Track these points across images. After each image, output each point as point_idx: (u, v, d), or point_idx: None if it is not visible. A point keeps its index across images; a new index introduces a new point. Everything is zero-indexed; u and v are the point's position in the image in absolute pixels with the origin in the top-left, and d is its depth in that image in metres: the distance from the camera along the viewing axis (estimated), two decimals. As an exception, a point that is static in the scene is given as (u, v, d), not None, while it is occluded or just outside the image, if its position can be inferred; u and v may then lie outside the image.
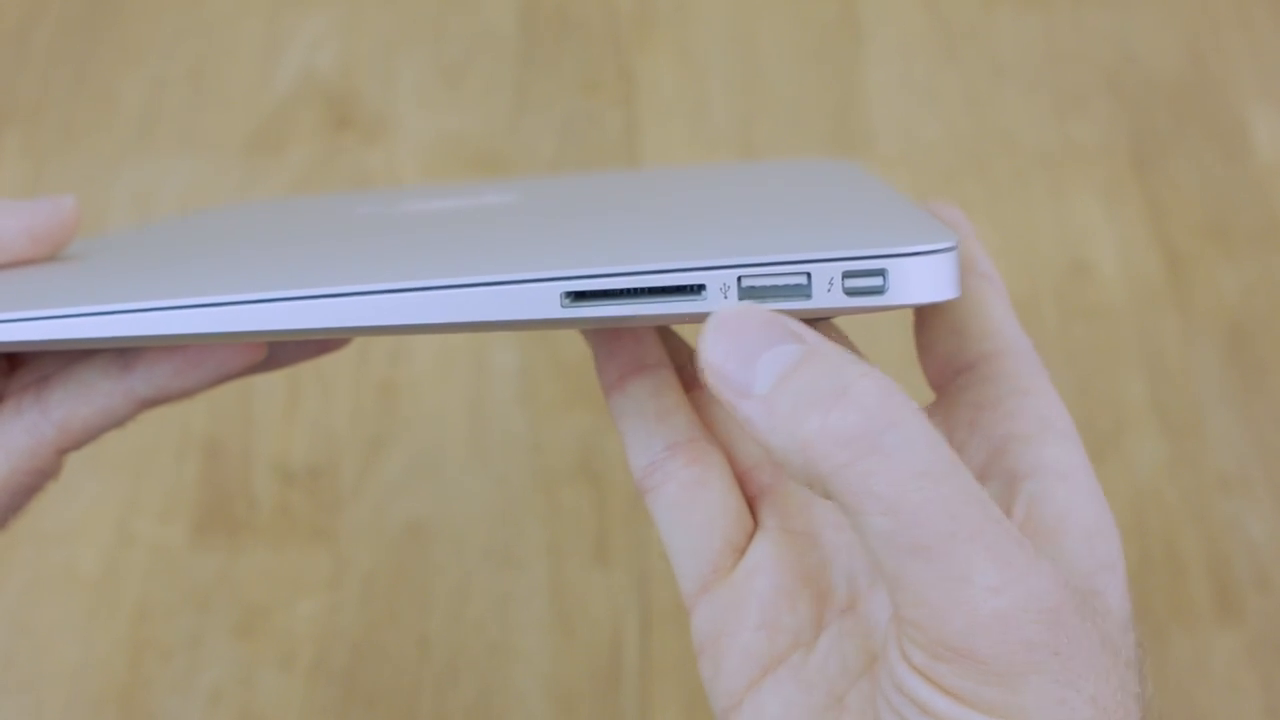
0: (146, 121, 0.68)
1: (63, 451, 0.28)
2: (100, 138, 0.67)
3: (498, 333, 0.59)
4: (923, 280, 0.22)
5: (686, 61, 0.69)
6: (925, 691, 0.20)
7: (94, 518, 0.55)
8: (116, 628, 0.52)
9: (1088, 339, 0.59)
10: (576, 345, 0.58)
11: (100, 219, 0.64)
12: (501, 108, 0.67)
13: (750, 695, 0.25)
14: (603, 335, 0.28)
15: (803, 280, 0.22)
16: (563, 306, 0.22)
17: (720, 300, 0.22)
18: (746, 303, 0.22)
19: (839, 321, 0.28)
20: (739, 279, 0.22)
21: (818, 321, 0.25)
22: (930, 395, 0.27)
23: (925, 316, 0.26)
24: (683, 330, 0.30)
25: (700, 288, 0.22)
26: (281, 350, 0.30)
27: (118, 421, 0.28)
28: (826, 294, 0.22)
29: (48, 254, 0.29)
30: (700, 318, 0.22)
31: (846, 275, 0.22)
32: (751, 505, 0.28)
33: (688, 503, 0.27)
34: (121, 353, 0.28)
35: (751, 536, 0.27)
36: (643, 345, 0.28)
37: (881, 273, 0.21)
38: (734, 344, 0.21)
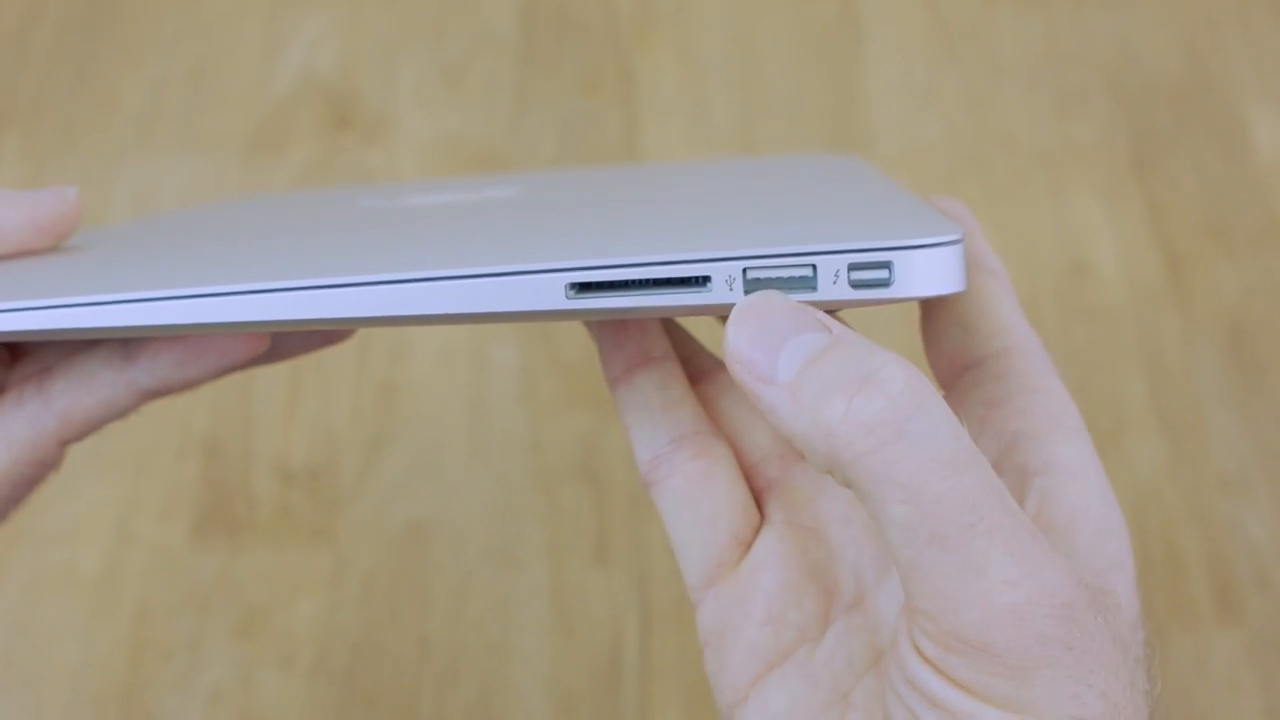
0: (146, 121, 0.67)
1: (65, 442, 0.28)
2: (100, 138, 0.67)
3: (499, 330, 0.59)
4: (929, 273, 0.21)
5: (686, 61, 0.69)
6: (936, 684, 0.20)
7: (94, 517, 0.55)
8: (116, 628, 0.52)
9: (1088, 339, 0.59)
10: (576, 345, 0.58)
11: (100, 219, 0.64)
12: (501, 108, 0.67)
13: (755, 690, 0.25)
14: (607, 328, 0.28)
15: (809, 272, 0.22)
16: (568, 298, 0.22)
17: (726, 292, 0.22)
18: (772, 292, 0.21)
19: (845, 316, 0.28)
20: (744, 271, 0.22)
21: None
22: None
23: (931, 311, 0.26)
24: (688, 323, 0.30)
25: (706, 279, 0.22)
26: (284, 342, 0.30)
27: (120, 413, 0.28)
28: (832, 286, 0.22)
29: (50, 244, 0.29)
30: (705, 310, 0.22)
31: (852, 267, 0.21)
32: (758, 499, 0.27)
33: (694, 496, 0.27)
34: (124, 343, 0.28)
35: (758, 531, 0.27)
36: (648, 337, 0.28)
37: (887, 265, 0.21)
38: (759, 331, 0.21)
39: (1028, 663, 0.19)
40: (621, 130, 0.66)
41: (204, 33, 0.71)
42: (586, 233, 0.26)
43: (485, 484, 0.55)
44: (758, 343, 0.21)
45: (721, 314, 0.22)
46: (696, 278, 0.22)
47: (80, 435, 0.28)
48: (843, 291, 0.22)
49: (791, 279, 0.22)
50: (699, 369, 0.29)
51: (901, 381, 0.20)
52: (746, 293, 0.22)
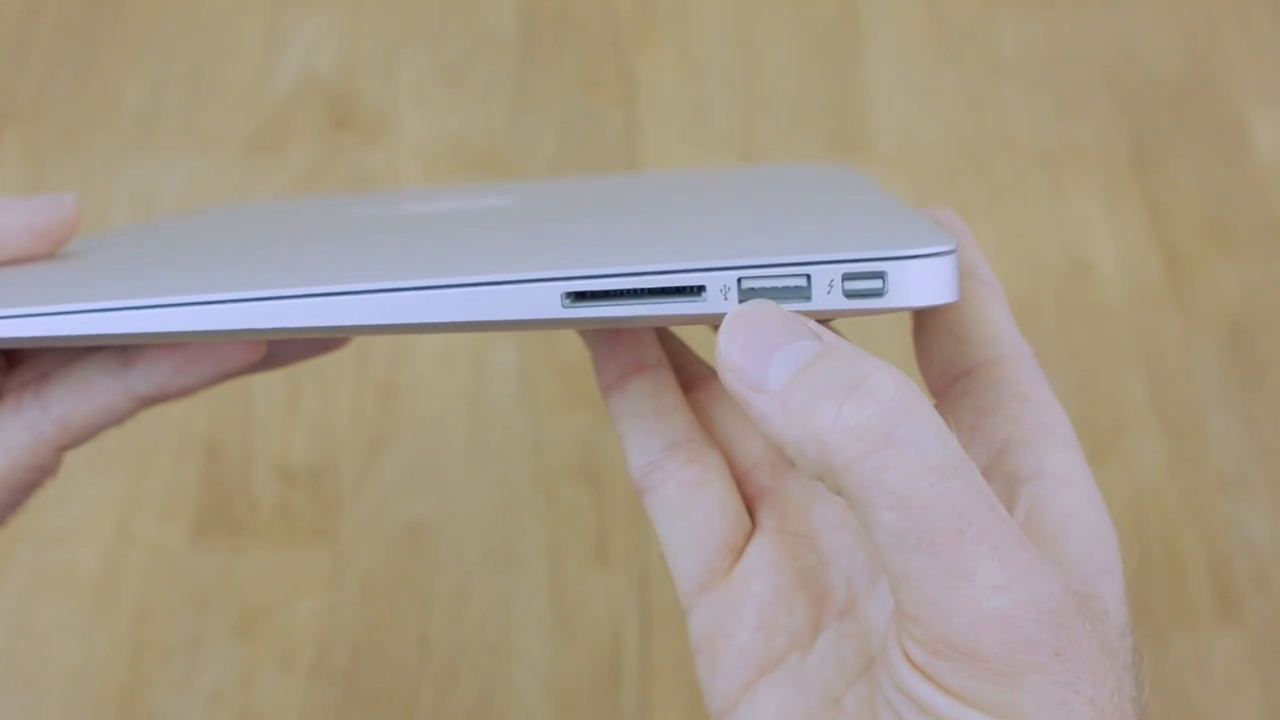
0: (146, 121, 0.68)
1: (62, 449, 0.28)
2: (100, 138, 0.67)
3: (498, 333, 0.59)
4: (922, 283, 0.22)
5: (686, 61, 0.69)
6: (924, 689, 0.20)
7: (94, 518, 0.55)
8: (116, 628, 0.52)
9: (1088, 339, 0.59)
10: (576, 345, 0.58)
11: (100, 219, 0.64)
12: (501, 108, 0.67)
13: (746, 696, 0.25)
14: (601, 335, 0.28)
15: (803, 282, 0.22)
16: (563, 307, 0.22)
17: (720, 302, 0.22)
18: (764, 300, 0.22)
19: (838, 325, 0.28)
20: (739, 280, 0.22)
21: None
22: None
23: (924, 321, 0.27)
24: (681, 331, 0.30)
25: (700, 289, 0.22)
26: (281, 349, 0.30)
27: (117, 419, 0.28)
28: (826, 296, 0.22)
29: (48, 251, 0.29)
30: (700, 319, 0.22)
31: (846, 277, 0.22)
32: (750, 507, 0.28)
33: (686, 503, 0.27)
34: (121, 350, 0.28)
35: (749, 538, 0.27)
36: (641, 345, 0.28)
37: (881, 275, 0.21)
38: (750, 339, 0.21)
39: (1015, 668, 0.20)
40: (621, 130, 0.66)
41: (204, 32, 0.71)
42: (582, 242, 0.26)
43: (485, 484, 0.55)
44: (749, 351, 0.21)
45: (716, 323, 0.22)
46: (691, 287, 0.22)
47: (78, 441, 0.28)
48: (837, 301, 0.22)
49: (786, 289, 0.22)
50: (692, 377, 0.29)
51: (891, 388, 0.20)
52: (741, 302, 0.22)
